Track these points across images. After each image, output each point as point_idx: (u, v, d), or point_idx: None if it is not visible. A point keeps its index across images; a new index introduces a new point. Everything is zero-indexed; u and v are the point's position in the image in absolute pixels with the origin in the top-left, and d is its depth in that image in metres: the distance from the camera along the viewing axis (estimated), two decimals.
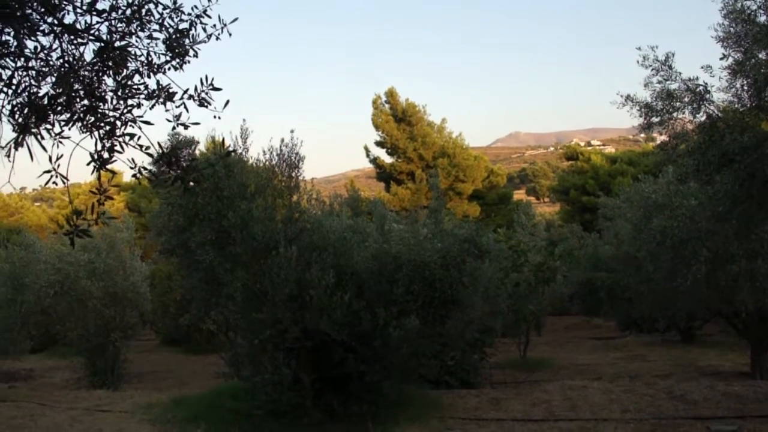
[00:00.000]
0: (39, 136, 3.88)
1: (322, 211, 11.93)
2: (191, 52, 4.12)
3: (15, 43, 3.99)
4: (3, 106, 3.96)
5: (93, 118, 3.92)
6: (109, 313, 17.41)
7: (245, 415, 10.53)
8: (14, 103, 3.95)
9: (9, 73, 4.15)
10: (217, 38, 4.08)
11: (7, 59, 4.10)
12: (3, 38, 4.01)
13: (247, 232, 10.27)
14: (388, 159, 38.59)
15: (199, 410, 11.58)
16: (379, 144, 38.30)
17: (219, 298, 11.31)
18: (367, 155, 39.16)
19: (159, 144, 3.93)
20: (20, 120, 3.90)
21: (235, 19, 4.08)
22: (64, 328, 17.94)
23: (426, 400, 11.60)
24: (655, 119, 9.52)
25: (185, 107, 4.03)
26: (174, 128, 4.00)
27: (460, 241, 11.22)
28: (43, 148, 3.83)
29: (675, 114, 9.39)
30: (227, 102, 4.09)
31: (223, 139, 4.35)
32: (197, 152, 11.25)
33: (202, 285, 11.88)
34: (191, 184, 4.19)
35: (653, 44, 9.35)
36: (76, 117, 3.93)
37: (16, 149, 3.86)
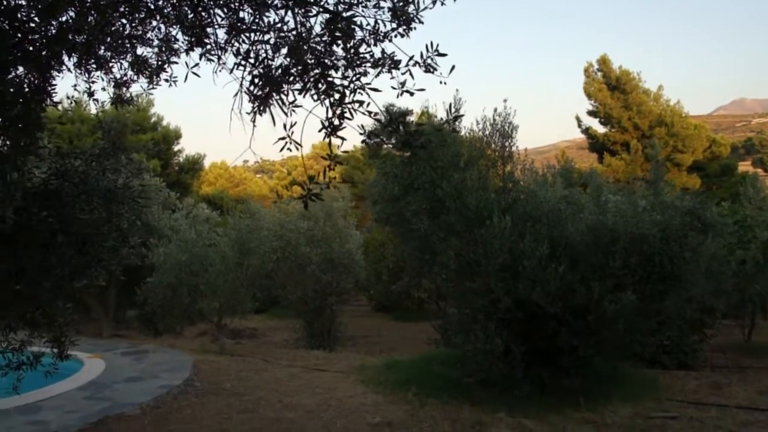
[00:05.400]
0: (282, 103, 4.11)
1: (535, 181, 11.77)
2: (416, 19, 4.17)
3: (252, 19, 4.23)
4: (243, 78, 4.23)
5: (323, 87, 4.07)
6: (326, 278, 18.23)
7: (455, 383, 10.64)
8: (253, 74, 4.20)
9: (246, 47, 4.42)
10: (443, 3, 4.09)
11: (245, 34, 4.36)
12: (240, 15, 4.27)
13: (460, 202, 10.30)
14: (600, 129, 37.33)
15: (410, 375, 11.85)
16: (591, 113, 37.14)
17: (432, 267, 11.45)
18: (579, 125, 38.13)
19: (387, 110, 4.02)
20: (258, 91, 4.13)
21: None
22: (285, 291, 19.05)
23: (640, 380, 11.16)
24: None
25: (410, 74, 4.09)
26: (399, 95, 4.07)
27: (682, 213, 10.65)
28: (285, 113, 4.06)
29: None
30: (453, 67, 4.09)
31: (451, 104, 4.34)
32: (410, 122, 11.39)
33: (416, 253, 12.09)
34: (420, 148, 4.23)
35: None
36: (308, 86, 4.11)
37: (261, 114, 4.10)
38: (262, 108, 4.08)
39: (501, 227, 9.79)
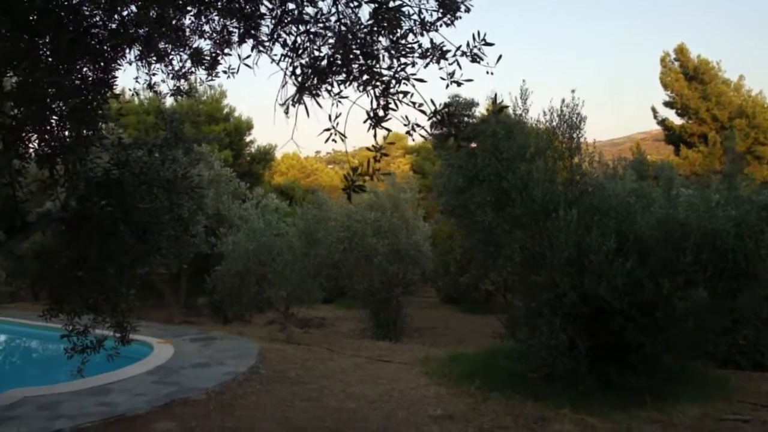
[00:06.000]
0: (316, 95, 4.11)
1: (604, 174, 11.52)
2: (462, 8, 4.10)
3: (298, 10, 4.22)
4: (286, 69, 4.24)
5: (368, 77, 4.04)
6: (392, 269, 18.25)
7: (519, 377, 10.52)
8: (295, 64, 4.20)
9: (292, 38, 4.43)
10: None
11: (291, 25, 4.36)
12: (287, 7, 4.26)
13: (526, 194, 10.16)
14: (677, 120, 36.26)
15: (474, 368, 11.77)
16: (667, 104, 36.10)
17: (497, 260, 11.34)
18: (655, 117, 37.12)
19: (432, 101, 3.96)
20: (300, 80, 4.13)
21: None
22: (352, 281, 19.16)
23: (711, 380, 10.80)
24: None
25: (458, 64, 4.01)
26: (447, 86, 4.01)
27: (759, 208, 10.28)
28: (319, 105, 4.04)
29: None
30: (500, 57, 4.00)
31: (496, 95, 4.25)
32: (477, 114, 11.29)
33: (480, 246, 12.00)
34: (464, 140, 4.14)
35: None
36: (352, 77, 4.08)
37: (294, 106, 4.10)
38: (298, 99, 4.08)
39: (567, 220, 9.63)
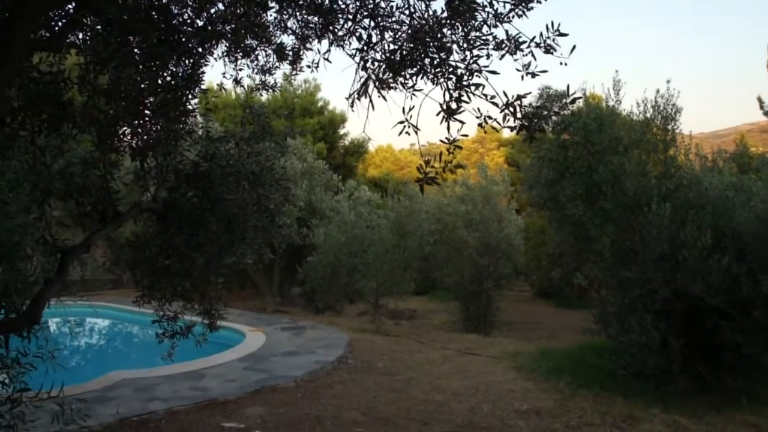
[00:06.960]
0: (384, 87, 4.14)
1: (701, 166, 11.15)
2: None
3: (373, 5, 4.26)
4: (358, 64, 4.29)
5: (440, 70, 4.04)
6: (483, 262, 18.17)
7: (608, 374, 10.34)
8: (367, 58, 4.24)
9: (366, 33, 4.47)
10: None
11: (367, 20, 4.40)
12: (363, 2, 4.31)
13: (618, 187, 9.95)
14: None
15: (564, 363, 11.62)
16: None
17: (588, 254, 11.16)
18: (761, 107, 35.62)
19: (504, 93, 3.92)
20: (370, 73, 4.17)
21: None
22: (442, 273, 19.15)
23: None
24: None
25: (533, 56, 3.97)
26: (523, 78, 3.96)
27: None
28: (383, 97, 4.08)
29: None
30: (573, 47, 3.94)
31: (568, 86, 4.16)
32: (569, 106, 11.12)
33: (571, 239, 11.82)
34: (537, 132, 4.08)
35: None
36: (425, 70, 4.09)
37: (359, 99, 4.15)
38: (363, 92, 4.12)
39: (660, 214, 9.38)
